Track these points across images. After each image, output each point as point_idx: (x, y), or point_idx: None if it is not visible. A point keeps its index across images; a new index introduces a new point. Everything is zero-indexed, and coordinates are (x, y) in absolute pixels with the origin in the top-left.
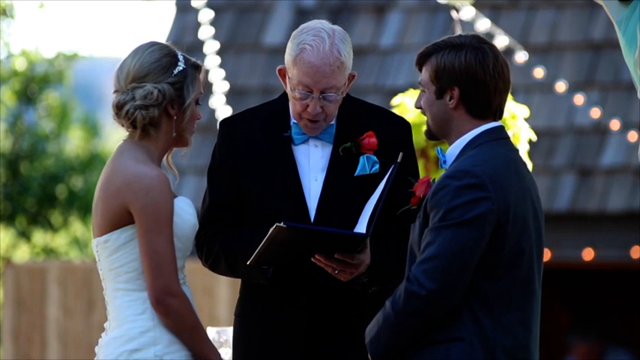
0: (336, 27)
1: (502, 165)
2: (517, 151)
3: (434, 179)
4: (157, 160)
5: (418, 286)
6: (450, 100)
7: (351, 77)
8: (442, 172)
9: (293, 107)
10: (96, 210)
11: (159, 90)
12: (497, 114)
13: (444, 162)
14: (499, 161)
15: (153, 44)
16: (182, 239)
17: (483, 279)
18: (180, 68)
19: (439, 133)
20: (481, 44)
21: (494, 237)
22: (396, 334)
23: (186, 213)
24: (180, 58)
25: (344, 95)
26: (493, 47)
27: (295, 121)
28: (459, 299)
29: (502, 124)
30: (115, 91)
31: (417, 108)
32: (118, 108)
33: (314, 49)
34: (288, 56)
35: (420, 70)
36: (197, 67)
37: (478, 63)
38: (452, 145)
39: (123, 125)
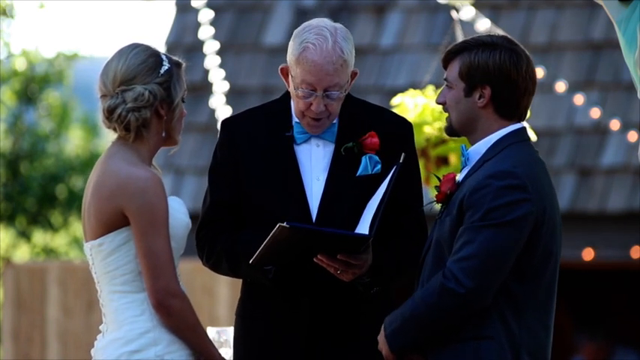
0: (338, 25)
1: (536, 166)
2: (538, 152)
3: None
4: (147, 161)
5: (456, 283)
6: (480, 98)
7: (354, 74)
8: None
9: (296, 105)
10: (88, 213)
11: (149, 91)
12: (523, 115)
13: (467, 159)
14: (534, 163)
15: (136, 46)
16: (176, 239)
17: (513, 280)
18: (166, 67)
19: (462, 130)
20: (513, 45)
21: (529, 239)
22: (423, 329)
23: (178, 212)
24: (164, 57)
25: (347, 93)
26: (524, 49)
27: (297, 121)
28: (491, 299)
29: (525, 125)
30: (103, 96)
31: (439, 104)
32: (109, 112)
33: (317, 48)
34: (290, 55)
35: (445, 68)
36: (179, 65)
37: (512, 64)
38: (476, 144)
39: (115, 130)
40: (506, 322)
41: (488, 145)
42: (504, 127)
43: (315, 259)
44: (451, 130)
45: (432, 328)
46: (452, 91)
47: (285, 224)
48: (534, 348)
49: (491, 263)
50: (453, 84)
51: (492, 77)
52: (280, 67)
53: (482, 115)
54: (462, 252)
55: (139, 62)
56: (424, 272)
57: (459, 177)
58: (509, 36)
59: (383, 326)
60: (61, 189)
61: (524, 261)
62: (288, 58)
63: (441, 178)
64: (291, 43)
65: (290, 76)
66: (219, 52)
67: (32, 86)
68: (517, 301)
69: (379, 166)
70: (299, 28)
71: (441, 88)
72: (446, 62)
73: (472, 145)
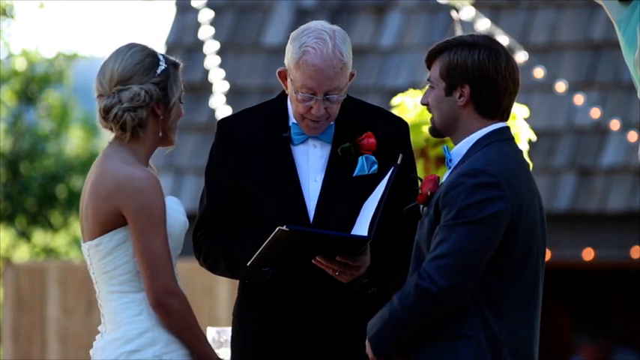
0: (335, 27)
1: (514, 165)
2: (522, 151)
3: (438, 177)
4: (144, 161)
5: (430, 282)
6: (460, 97)
7: (351, 76)
8: (444, 171)
9: (295, 109)
10: (85, 214)
11: (145, 91)
12: (505, 115)
13: (450, 160)
14: (511, 161)
15: (133, 46)
16: (173, 238)
17: (492, 277)
18: (163, 67)
19: (445, 130)
20: (494, 44)
21: (506, 236)
22: (402, 330)
23: (175, 212)
24: (161, 57)
25: (345, 95)
26: (505, 48)
27: (295, 122)
28: (468, 297)
29: (508, 124)
30: (99, 96)
31: (424, 104)
32: (105, 112)
33: (317, 52)
34: (289, 59)
35: (429, 68)
36: (176, 65)
37: (491, 62)
38: (458, 144)
39: (111, 129)
40: (485, 321)
41: (469, 145)
42: (485, 126)
43: (313, 261)
44: (434, 131)
45: (412, 329)
46: (434, 91)
47: (284, 227)
48: (517, 347)
49: (465, 261)
50: (435, 84)
51: (471, 76)
52: (278, 70)
53: (463, 114)
54: (436, 251)
55: (136, 62)
56: (409, 274)
57: (443, 178)
58: (491, 35)
59: (367, 330)
60: (61, 189)
61: (502, 259)
62: (286, 62)
63: (422, 179)
64: (289, 47)
65: (289, 80)
66: (219, 52)
67: (32, 86)
68: (497, 299)
69: (376, 167)
70: (296, 31)
71: (426, 89)
72: (429, 62)
73: (455, 145)
